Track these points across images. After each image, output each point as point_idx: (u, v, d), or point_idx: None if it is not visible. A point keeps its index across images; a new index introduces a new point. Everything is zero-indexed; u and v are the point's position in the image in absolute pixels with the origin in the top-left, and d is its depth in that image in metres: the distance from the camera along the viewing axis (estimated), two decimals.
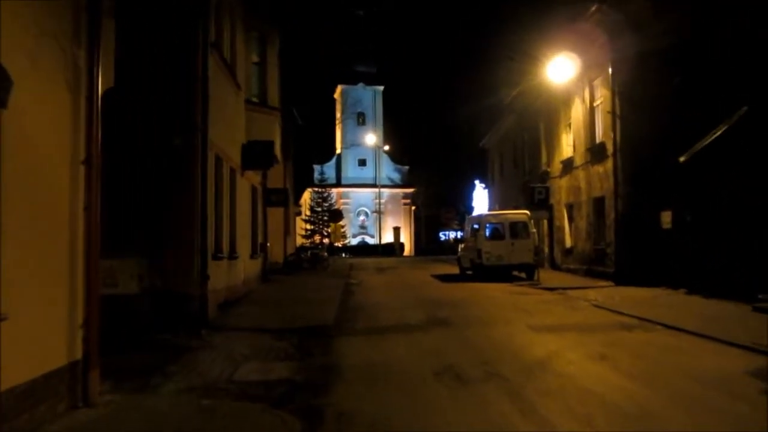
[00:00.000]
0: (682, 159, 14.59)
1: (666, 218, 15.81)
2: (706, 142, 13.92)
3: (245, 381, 6.98)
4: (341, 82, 68.50)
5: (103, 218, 10.83)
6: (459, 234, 48.66)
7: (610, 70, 18.22)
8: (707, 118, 14.84)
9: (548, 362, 7.66)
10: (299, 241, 50.10)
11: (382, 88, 69.59)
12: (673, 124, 16.21)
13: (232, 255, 13.84)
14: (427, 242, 67.44)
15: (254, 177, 17.62)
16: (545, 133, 25.97)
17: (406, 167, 69.18)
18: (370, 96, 69.61)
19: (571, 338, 9.38)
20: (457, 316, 11.81)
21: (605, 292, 15.62)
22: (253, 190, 17.67)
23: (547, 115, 25.43)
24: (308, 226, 59.33)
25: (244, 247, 15.79)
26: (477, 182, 59.74)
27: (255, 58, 16.83)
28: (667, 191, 16.10)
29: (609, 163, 18.52)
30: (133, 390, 6.44)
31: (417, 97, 70.73)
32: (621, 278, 17.40)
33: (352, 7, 67.87)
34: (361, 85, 68.73)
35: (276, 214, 25.36)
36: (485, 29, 57.26)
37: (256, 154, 15.51)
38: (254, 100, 16.57)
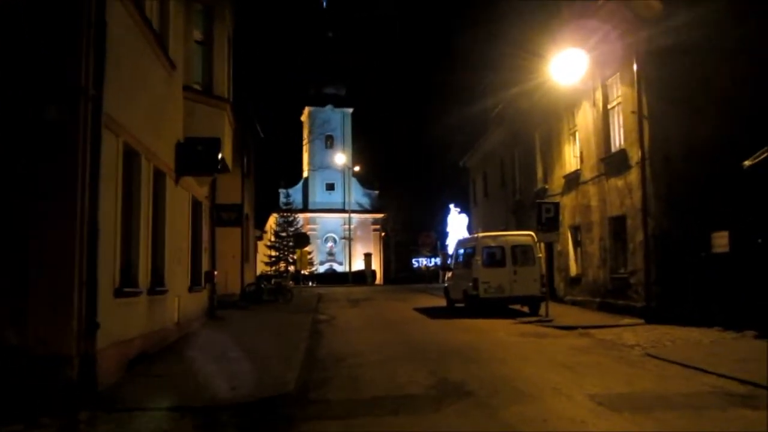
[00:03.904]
0: (747, 163, 11.37)
1: (720, 240, 12.47)
2: None
3: None
4: (309, 104, 65.92)
5: None
6: (432, 261, 45.14)
7: (634, 65, 15.05)
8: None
9: None
10: (262, 268, 46.17)
11: (351, 110, 67.24)
12: (720, 124, 13.21)
13: (156, 288, 10.01)
14: (396, 270, 63.72)
15: (197, 188, 13.83)
16: (541, 146, 22.78)
17: (376, 192, 66.28)
18: (339, 118, 67.26)
19: (675, 427, 5.84)
20: (477, 378, 8.10)
21: (644, 334, 12.20)
22: (195, 204, 13.84)
23: (544, 124, 22.24)
24: (273, 253, 55.49)
25: (179, 277, 11.99)
26: (452, 206, 56.70)
27: (198, 36, 13.14)
28: (718, 206, 12.88)
29: (633, 175, 15.28)
30: None
31: (387, 120, 67.76)
32: (653, 314, 14.03)
33: (321, 28, 65.11)
34: (329, 107, 66.41)
35: (231, 236, 21.55)
36: (463, 39, 54.50)
37: (196, 155, 11.80)
38: (196, 87, 12.90)
